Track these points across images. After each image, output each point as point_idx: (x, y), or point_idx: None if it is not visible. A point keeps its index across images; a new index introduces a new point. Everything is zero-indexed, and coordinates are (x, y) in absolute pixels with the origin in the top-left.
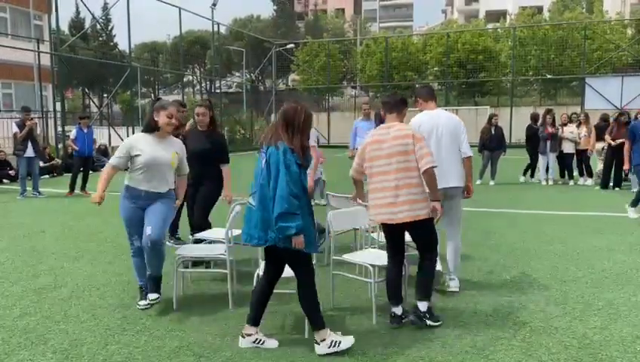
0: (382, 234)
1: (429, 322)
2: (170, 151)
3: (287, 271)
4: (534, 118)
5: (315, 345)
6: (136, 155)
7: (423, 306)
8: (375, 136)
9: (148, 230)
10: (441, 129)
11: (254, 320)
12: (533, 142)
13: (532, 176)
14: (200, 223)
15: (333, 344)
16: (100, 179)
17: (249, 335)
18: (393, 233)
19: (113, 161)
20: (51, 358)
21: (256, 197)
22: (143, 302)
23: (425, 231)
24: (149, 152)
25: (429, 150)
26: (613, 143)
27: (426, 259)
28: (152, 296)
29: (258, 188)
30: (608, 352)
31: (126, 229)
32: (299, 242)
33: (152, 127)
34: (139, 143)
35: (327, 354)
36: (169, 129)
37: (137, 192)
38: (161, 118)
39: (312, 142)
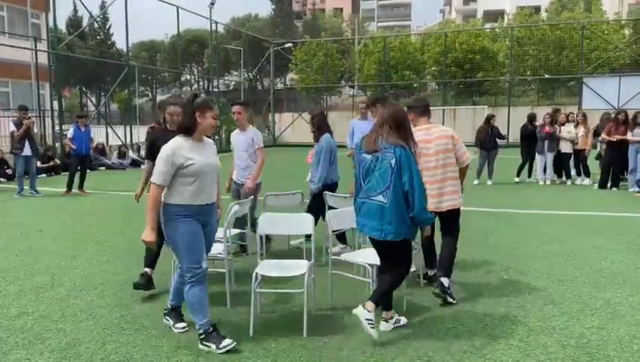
0: None
1: (449, 299)
2: (214, 155)
3: (286, 271)
4: (531, 118)
5: (382, 322)
6: (189, 165)
7: (445, 281)
8: (419, 136)
9: (204, 263)
10: None
11: (387, 305)
12: (527, 141)
13: (529, 175)
14: None
15: (397, 322)
16: (149, 208)
17: (390, 318)
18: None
19: (158, 179)
20: (49, 357)
21: (390, 194)
22: (226, 342)
23: (456, 218)
24: (200, 159)
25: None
26: (612, 138)
27: (448, 241)
28: (181, 325)
29: (392, 187)
30: (605, 352)
31: (185, 256)
32: (428, 229)
33: (192, 130)
34: (184, 151)
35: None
36: (211, 132)
37: (193, 209)
38: (207, 120)
39: (261, 142)
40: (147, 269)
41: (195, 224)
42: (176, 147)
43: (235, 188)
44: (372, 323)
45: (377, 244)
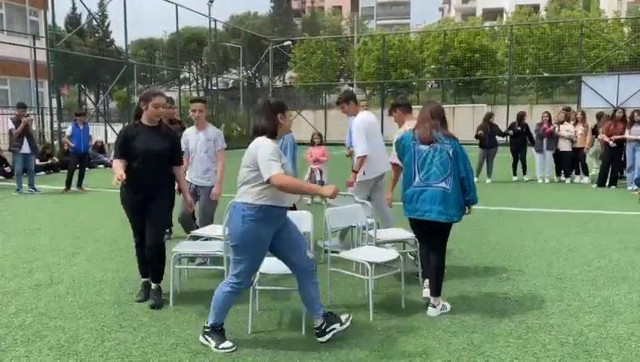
0: (379, 232)
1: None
2: None
3: (285, 269)
4: (520, 117)
5: (431, 307)
6: (283, 164)
7: None
8: None
9: (309, 253)
10: (376, 124)
11: (438, 291)
12: (515, 140)
13: (524, 173)
14: (158, 248)
15: (443, 308)
16: (302, 185)
17: (438, 304)
18: None
19: (279, 169)
20: (48, 354)
21: (451, 181)
22: (227, 344)
23: None
24: (286, 161)
25: None
26: (612, 143)
27: None
28: (339, 326)
29: (452, 174)
30: (604, 349)
31: (244, 263)
32: (468, 212)
33: (276, 132)
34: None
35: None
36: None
37: (280, 211)
38: (288, 120)
39: (224, 144)
40: (146, 279)
41: (269, 232)
42: (277, 146)
43: (192, 191)
44: (444, 309)
45: (436, 228)
